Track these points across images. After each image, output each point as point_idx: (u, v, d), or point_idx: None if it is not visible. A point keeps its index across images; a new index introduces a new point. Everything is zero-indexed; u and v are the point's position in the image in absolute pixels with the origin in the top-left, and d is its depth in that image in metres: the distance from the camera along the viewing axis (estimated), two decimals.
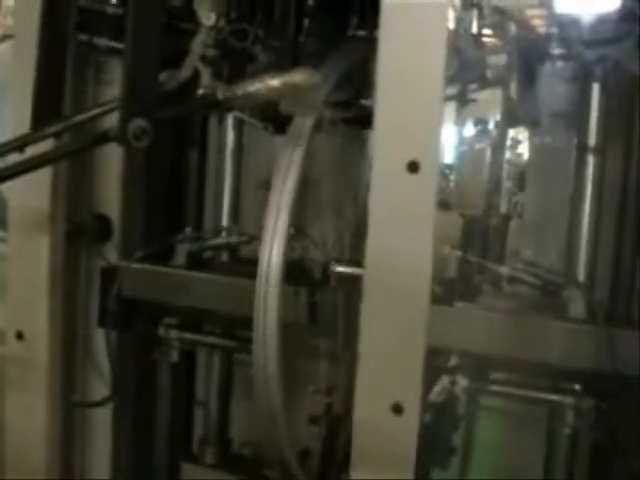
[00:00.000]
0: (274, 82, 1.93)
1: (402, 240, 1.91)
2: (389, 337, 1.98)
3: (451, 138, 2.33)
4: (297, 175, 2.10)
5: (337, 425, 2.42)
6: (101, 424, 2.77)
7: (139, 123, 1.75)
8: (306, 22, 2.36)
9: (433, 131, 1.89)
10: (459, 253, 2.34)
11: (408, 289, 1.94)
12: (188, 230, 2.65)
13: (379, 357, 1.99)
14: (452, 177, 2.32)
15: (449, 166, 2.31)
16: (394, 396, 1.97)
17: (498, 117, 2.36)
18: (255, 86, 1.94)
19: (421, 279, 1.93)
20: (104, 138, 1.81)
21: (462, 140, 2.36)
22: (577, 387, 2.29)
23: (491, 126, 2.34)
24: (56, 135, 2.13)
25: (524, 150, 2.46)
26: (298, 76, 1.96)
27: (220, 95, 1.96)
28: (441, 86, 1.88)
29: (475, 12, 2.25)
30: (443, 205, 2.16)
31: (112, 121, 2.00)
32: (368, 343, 2.00)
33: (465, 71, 2.32)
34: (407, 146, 1.89)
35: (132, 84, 1.80)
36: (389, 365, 1.98)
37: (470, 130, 2.35)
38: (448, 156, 2.31)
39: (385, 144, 1.92)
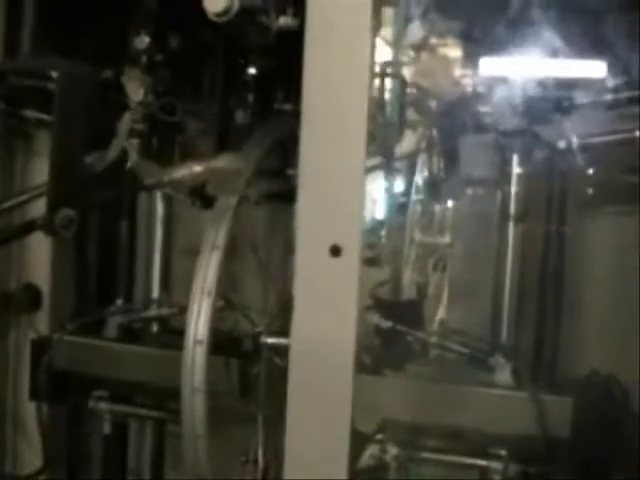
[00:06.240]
0: (198, 168, 1.97)
1: (326, 322, 1.92)
2: (315, 410, 1.98)
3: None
4: (222, 252, 2.11)
5: None
6: None
7: (66, 213, 1.74)
8: (234, 94, 2.40)
9: (355, 215, 1.91)
10: (389, 323, 2.38)
11: (332, 366, 1.95)
12: (119, 302, 2.66)
13: (305, 428, 1.99)
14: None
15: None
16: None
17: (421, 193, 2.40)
18: (180, 172, 1.97)
19: (345, 357, 1.94)
20: (31, 227, 1.82)
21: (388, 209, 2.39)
22: (503, 452, 2.33)
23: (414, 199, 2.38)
24: None
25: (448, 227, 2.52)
26: (221, 162, 2.01)
27: (147, 182, 1.98)
28: (362, 172, 1.89)
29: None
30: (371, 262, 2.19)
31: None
32: (295, 416, 2.00)
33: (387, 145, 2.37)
34: (329, 230, 1.89)
35: (58, 173, 1.80)
36: (315, 442, 1.99)
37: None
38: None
39: (308, 228, 1.93)
